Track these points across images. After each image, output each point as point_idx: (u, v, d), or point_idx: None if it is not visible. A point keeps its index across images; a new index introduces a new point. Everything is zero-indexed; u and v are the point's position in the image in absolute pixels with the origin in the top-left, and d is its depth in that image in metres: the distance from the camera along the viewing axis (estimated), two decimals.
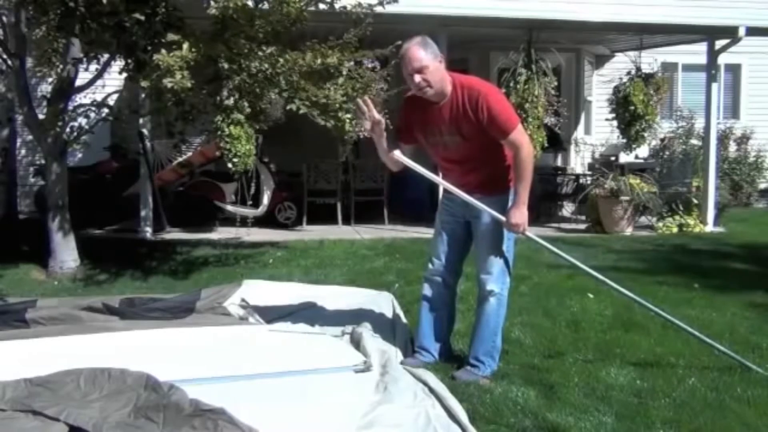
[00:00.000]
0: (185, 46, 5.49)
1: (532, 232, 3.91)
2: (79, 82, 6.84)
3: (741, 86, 13.33)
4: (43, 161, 7.93)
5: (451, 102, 3.75)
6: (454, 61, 8.99)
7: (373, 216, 9.64)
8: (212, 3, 5.67)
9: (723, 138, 12.17)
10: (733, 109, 13.40)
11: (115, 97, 7.57)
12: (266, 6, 5.90)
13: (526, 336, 4.57)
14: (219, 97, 6.00)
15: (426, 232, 7.91)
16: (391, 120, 7.65)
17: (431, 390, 3.47)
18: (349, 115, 6.16)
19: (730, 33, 9.29)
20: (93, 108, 6.79)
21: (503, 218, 3.78)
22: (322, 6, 6.23)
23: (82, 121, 6.85)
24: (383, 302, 5.10)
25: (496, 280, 3.88)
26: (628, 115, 9.53)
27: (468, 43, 10.25)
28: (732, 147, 12.74)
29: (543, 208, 10.14)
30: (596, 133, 12.07)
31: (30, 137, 9.17)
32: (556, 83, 9.35)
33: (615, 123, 9.88)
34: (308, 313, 4.88)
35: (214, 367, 3.82)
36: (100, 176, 9.72)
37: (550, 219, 10.19)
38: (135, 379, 3.34)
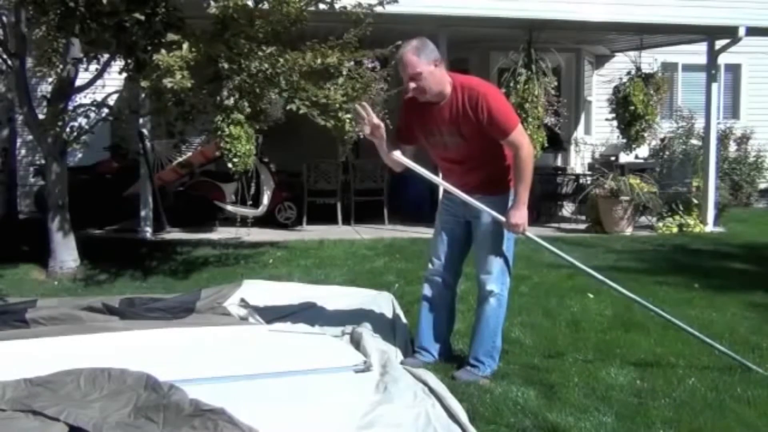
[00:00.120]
0: (185, 46, 5.49)
1: (532, 232, 3.91)
2: (79, 82, 6.84)
3: (741, 86, 13.33)
4: (43, 161, 7.93)
5: (451, 102, 3.75)
6: (454, 61, 9.02)
7: (373, 216, 9.64)
8: (212, 3, 5.67)
9: (723, 138, 12.17)
10: (733, 109, 13.40)
11: (115, 97, 7.57)
12: (266, 6, 5.90)
13: (526, 336, 4.57)
14: (219, 97, 6.00)
15: (426, 232, 7.91)
16: (390, 120, 7.69)
17: (431, 390, 3.47)
18: (349, 115, 6.15)
19: (730, 33, 9.29)
20: (93, 108, 6.79)
21: (503, 218, 3.79)
22: (322, 6, 6.23)
23: (82, 121, 6.85)
24: (383, 302, 5.10)
25: (496, 280, 3.88)
26: (628, 115, 9.54)
27: (468, 43, 10.25)
28: (732, 147, 12.74)
29: (543, 208, 10.15)
30: (596, 133, 12.08)
31: (30, 137, 9.18)
32: (556, 83, 9.36)
33: (615, 123, 9.88)
34: (308, 313, 4.88)
35: (214, 367, 3.82)
36: (100, 176, 9.73)
37: (550, 219, 10.19)
38: (135, 379, 3.34)
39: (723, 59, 10.44)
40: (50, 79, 8.14)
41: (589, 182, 9.92)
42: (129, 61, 6.28)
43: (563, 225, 9.94)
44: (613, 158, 11.43)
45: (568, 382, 3.72)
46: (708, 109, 9.86)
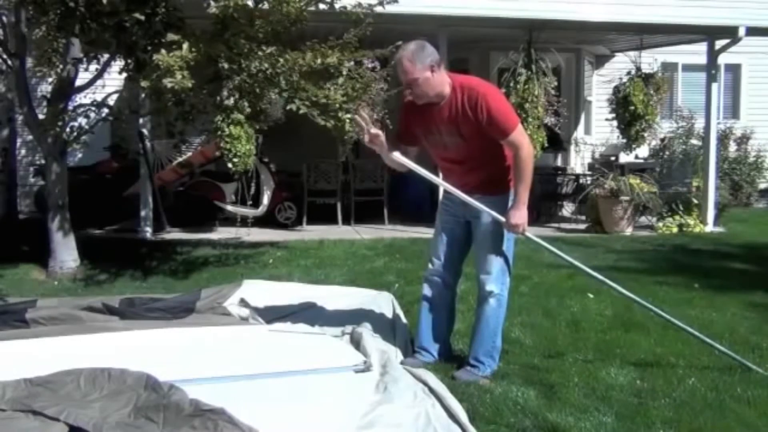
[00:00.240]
0: (185, 46, 5.49)
1: (532, 232, 3.91)
2: (79, 82, 6.84)
3: (741, 86, 13.33)
4: (43, 161, 7.93)
5: (450, 102, 3.75)
6: (454, 61, 9.03)
7: (373, 216, 9.64)
8: (212, 3, 5.67)
9: (723, 138, 12.17)
10: (733, 109, 13.40)
11: (115, 97, 7.56)
12: (266, 6, 5.90)
13: (526, 336, 4.57)
14: (219, 97, 6.00)
15: (426, 232, 7.91)
16: (391, 120, 7.70)
17: (431, 390, 3.47)
18: (349, 115, 6.16)
19: (730, 33, 9.29)
20: (93, 108, 6.79)
21: (503, 218, 3.79)
22: (322, 6, 6.23)
23: (82, 121, 6.85)
24: (383, 302, 5.10)
25: (496, 280, 3.88)
26: (628, 115, 9.54)
27: (468, 43, 10.25)
28: (732, 147, 12.74)
29: (543, 208, 10.15)
30: (596, 133, 12.08)
31: (30, 137, 9.17)
32: (556, 83, 9.35)
33: (615, 123, 9.88)
34: (308, 313, 4.88)
35: (214, 367, 3.82)
36: (100, 176, 9.72)
37: (550, 219, 10.19)
38: (135, 379, 3.34)
39: (723, 59, 10.44)
40: (50, 79, 8.13)
41: (589, 182, 9.92)
42: (129, 61, 6.28)
43: (563, 225, 9.94)
44: (613, 158, 11.43)
45: (568, 382, 3.72)
46: (708, 109, 9.86)
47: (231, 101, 6.01)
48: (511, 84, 8.77)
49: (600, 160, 11.44)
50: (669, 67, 11.84)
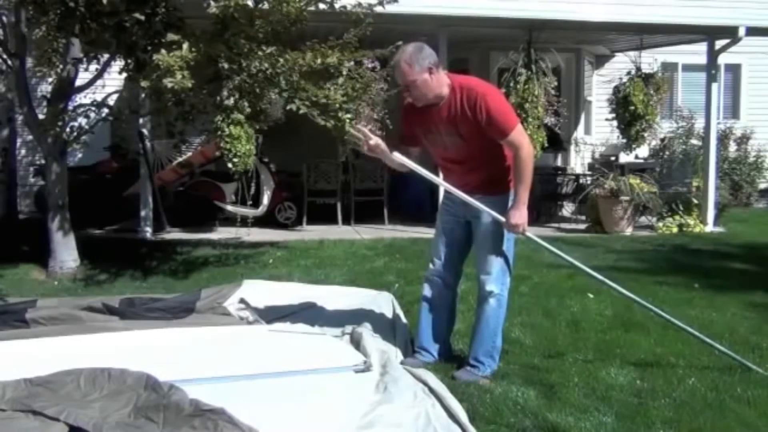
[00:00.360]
0: (185, 46, 5.49)
1: (532, 232, 3.91)
2: (79, 82, 6.84)
3: (741, 86, 13.33)
4: (43, 161, 7.93)
5: (449, 102, 3.76)
6: (454, 61, 9.02)
7: (373, 216, 9.64)
8: (212, 3, 5.67)
9: (723, 138, 12.17)
10: (733, 109, 13.40)
11: (115, 97, 7.57)
12: (266, 6, 5.90)
13: (526, 336, 4.57)
14: (219, 97, 6.00)
15: (426, 232, 7.92)
16: (390, 120, 7.70)
17: (431, 390, 3.47)
18: (349, 115, 6.16)
19: (730, 33, 9.29)
20: (93, 108, 6.79)
21: (503, 218, 3.79)
22: (322, 6, 6.23)
23: (82, 121, 6.85)
24: (383, 302, 5.10)
25: (496, 280, 3.88)
26: (628, 115, 9.54)
27: (468, 43, 10.25)
28: (732, 147, 12.74)
29: (543, 208, 10.15)
30: (596, 133, 12.08)
31: (30, 137, 9.17)
32: (556, 83, 9.35)
33: (615, 123, 9.88)
34: (308, 313, 4.88)
35: (214, 367, 3.82)
36: (100, 176, 9.73)
37: (550, 219, 10.19)
38: (135, 379, 3.34)
39: (723, 59, 10.44)
40: (50, 79, 8.14)
41: (589, 182, 9.92)
42: (129, 61, 6.28)
43: (563, 225, 9.94)
44: (613, 158, 11.42)
45: (568, 382, 3.72)
46: (708, 109, 9.86)
47: (231, 101, 6.01)
48: (511, 84, 8.77)
49: (600, 160, 11.44)
50: (669, 67, 11.84)
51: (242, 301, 5.07)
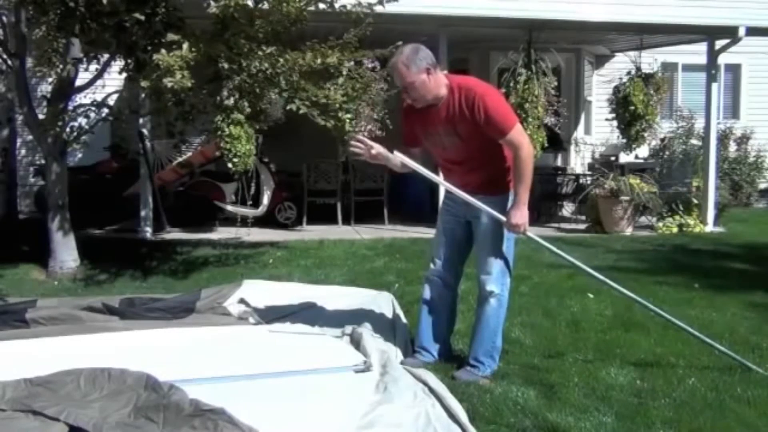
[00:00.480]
0: (185, 45, 5.49)
1: (532, 232, 3.91)
2: (79, 82, 6.84)
3: (741, 86, 13.33)
4: (43, 161, 7.93)
5: (447, 103, 3.76)
6: (454, 61, 9.03)
7: (373, 216, 9.64)
8: (212, 2, 5.67)
9: (723, 138, 12.17)
10: (733, 109, 13.40)
11: (115, 97, 7.57)
12: (266, 6, 5.90)
13: (526, 336, 4.57)
14: (219, 97, 6.00)
15: (426, 232, 7.92)
16: (390, 120, 7.69)
17: (431, 390, 3.47)
18: (349, 115, 6.16)
19: (730, 33, 9.30)
20: (93, 108, 6.79)
21: (503, 218, 3.79)
22: (322, 6, 6.23)
23: (82, 121, 6.85)
24: (383, 302, 5.09)
25: (496, 280, 3.88)
26: (628, 115, 9.54)
27: (468, 43, 10.25)
28: (732, 147, 12.74)
29: (543, 208, 10.15)
30: (596, 133, 12.08)
31: (30, 137, 9.18)
32: (555, 83, 9.35)
33: (615, 123, 9.88)
34: (308, 313, 4.88)
35: (214, 367, 3.82)
36: (100, 176, 9.73)
37: (550, 219, 10.19)
38: (135, 379, 3.34)
39: (723, 59, 10.44)
40: (50, 79, 8.12)
41: (589, 182, 9.92)
42: (129, 61, 6.28)
43: (563, 225, 9.94)
44: (613, 158, 11.43)
45: (568, 382, 3.72)
46: (708, 109, 9.86)
47: (231, 101, 6.01)
48: (511, 84, 8.78)
49: (600, 160, 11.44)
50: (669, 67, 11.84)
51: (242, 301, 5.07)
